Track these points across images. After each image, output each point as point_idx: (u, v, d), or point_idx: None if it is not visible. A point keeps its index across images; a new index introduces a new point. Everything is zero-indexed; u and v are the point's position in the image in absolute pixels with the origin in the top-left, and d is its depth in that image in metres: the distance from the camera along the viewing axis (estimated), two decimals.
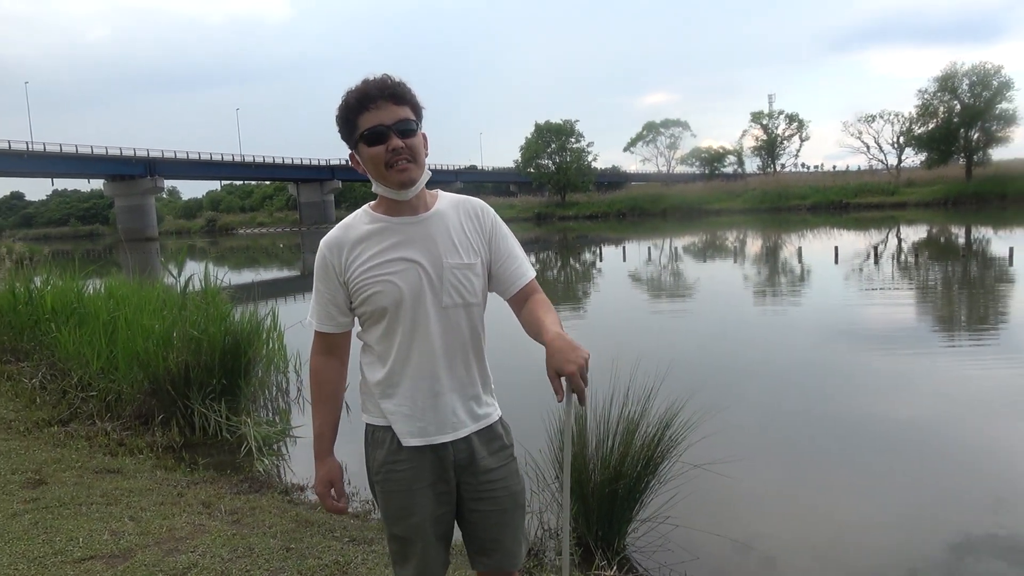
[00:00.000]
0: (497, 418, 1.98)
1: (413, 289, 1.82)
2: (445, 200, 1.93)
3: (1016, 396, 6.51)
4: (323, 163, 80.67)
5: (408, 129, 1.80)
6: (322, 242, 1.89)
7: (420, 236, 1.85)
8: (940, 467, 5.07)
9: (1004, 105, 47.22)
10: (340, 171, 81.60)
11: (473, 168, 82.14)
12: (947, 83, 48.64)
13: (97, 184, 77.69)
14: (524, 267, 1.95)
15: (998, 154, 49.39)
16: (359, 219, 1.90)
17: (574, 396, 1.67)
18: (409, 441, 1.87)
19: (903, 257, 19.63)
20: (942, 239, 25.95)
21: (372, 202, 1.93)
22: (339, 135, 1.85)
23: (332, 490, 1.96)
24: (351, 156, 1.88)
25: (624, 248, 26.69)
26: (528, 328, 1.86)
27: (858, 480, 4.85)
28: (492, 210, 1.97)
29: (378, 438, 1.91)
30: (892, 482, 4.79)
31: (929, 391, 6.85)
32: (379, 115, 1.77)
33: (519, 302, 1.93)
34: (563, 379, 1.65)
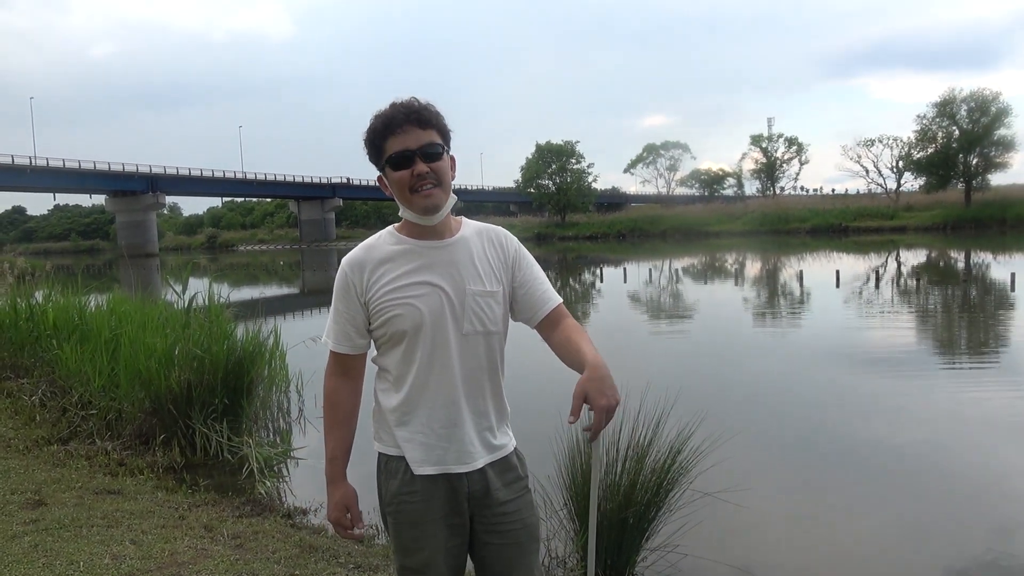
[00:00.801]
0: (512, 449, 1.94)
1: (434, 314, 1.80)
2: (469, 227, 1.91)
3: (1020, 421, 6.48)
4: (324, 181, 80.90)
5: (434, 153, 1.78)
6: (344, 261, 1.87)
7: (444, 261, 1.83)
8: (945, 492, 5.04)
9: (1003, 131, 47.68)
10: (341, 189, 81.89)
11: None
12: (945, 109, 49.05)
13: (99, 199, 77.92)
14: (550, 292, 1.92)
15: (997, 179, 49.76)
16: (383, 240, 1.87)
17: (598, 439, 1.66)
18: (423, 469, 1.82)
19: (903, 281, 19.65)
20: (942, 263, 25.99)
21: (397, 224, 1.91)
22: (367, 157, 1.84)
23: (347, 515, 1.92)
24: (379, 178, 1.87)
25: (624, 269, 26.68)
26: (562, 352, 1.82)
27: (864, 506, 4.80)
28: (515, 239, 1.96)
29: (391, 468, 1.87)
30: (897, 506, 4.74)
31: (933, 415, 6.81)
32: (405, 139, 1.76)
33: (548, 327, 1.89)
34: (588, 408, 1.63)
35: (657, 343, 11.68)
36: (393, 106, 1.78)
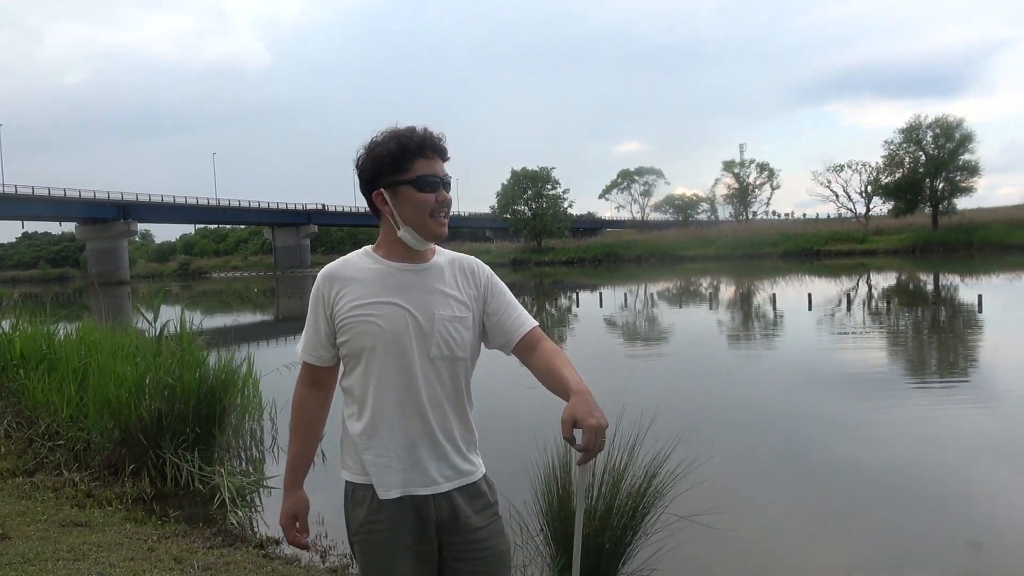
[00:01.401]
0: (481, 475, 1.94)
1: (397, 333, 1.80)
2: (443, 255, 1.94)
3: (992, 439, 6.57)
4: (299, 207, 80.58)
5: (449, 185, 1.87)
6: (320, 273, 1.90)
7: (415, 285, 1.85)
8: (920, 511, 5.07)
9: (967, 156, 48.88)
10: (316, 215, 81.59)
11: None
12: (912, 135, 50.25)
13: (68, 227, 76.93)
14: (524, 317, 1.93)
15: (962, 204, 50.90)
16: (358, 258, 1.91)
17: (586, 464, 1.67)
18: (389, 493, 1.81)
19: (875, 303, 19.94)
20: (911, 286, 26.43)
21: (372, 244, 1.94)
22: (372, 168, 1.84)
23: (296, 524, 1.94)
24: (376, 194, 1.86)
25: (600, 294, 26.79)
26: (544, 378, 1.82)
27: (839, 525, 4.83)
28: (487, 267, 1.98)
29: (358, 497, 1.86)
30: (873, 527, 4.76)
31: (906, 433, 6.87)
32: (433, 165, 1.83)
33: (526, 351, 1.89)
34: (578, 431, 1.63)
35: (633, 366, 11.71)
36: (416, 131, 1.82)
